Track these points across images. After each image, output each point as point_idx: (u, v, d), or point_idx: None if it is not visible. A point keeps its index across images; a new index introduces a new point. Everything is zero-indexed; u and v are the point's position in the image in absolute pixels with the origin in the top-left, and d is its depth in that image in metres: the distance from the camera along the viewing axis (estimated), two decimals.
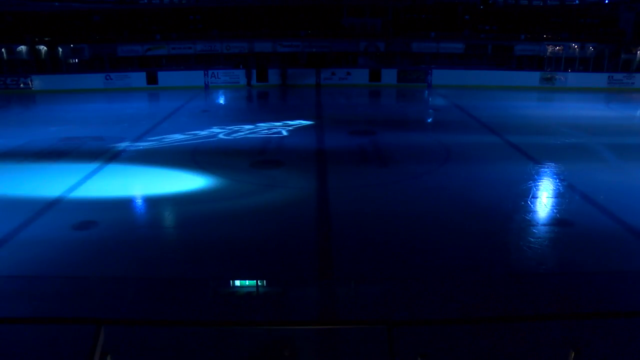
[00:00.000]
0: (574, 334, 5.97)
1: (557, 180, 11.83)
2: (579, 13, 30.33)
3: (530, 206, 10.22)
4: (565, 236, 9.02)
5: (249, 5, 30.58)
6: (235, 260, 8.16)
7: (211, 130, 16.83)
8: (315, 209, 10.22)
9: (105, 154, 14.00)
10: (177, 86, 26.32)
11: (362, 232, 9.06)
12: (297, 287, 7.60)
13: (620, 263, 8.06)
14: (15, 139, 15.74)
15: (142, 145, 15.11)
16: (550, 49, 27.55)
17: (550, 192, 11.25)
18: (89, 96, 24.64)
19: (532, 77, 26.52)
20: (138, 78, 26.44)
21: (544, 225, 9.44)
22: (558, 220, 9.57)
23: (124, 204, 10.61)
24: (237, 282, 7.69)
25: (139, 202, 11.02)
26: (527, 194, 10.82)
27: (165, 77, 26.71)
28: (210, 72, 26.89)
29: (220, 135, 16.20)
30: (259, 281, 7.74)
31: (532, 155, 13.71)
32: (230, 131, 16.70)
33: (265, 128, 17.23)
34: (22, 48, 27.41)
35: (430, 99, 25.19)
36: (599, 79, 26.09)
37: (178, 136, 15.99)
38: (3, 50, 27.20)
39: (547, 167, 12.74)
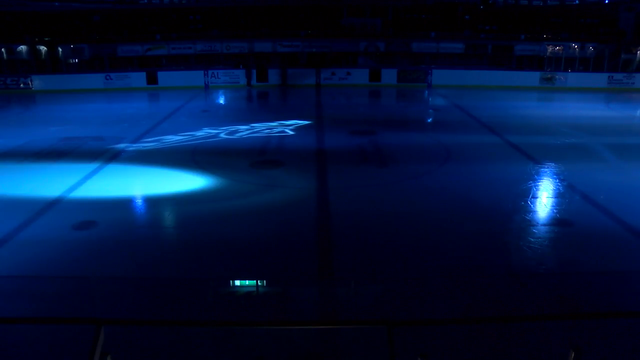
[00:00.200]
0: (574, 334, 5.95)
1: (557, 180, 11.83)
2: (579, 13, 30.33)
3: (530, 206, 10.22)
4: (565, 236, 9.02)
5: (249, 5, 30.60)
6: (235, 260, 8.16)
7: (211, 130, 16.83)
8: (315, 209, 10.22)
9: (105, 154, 14.00)
10: (177, 86, 26.30)
11: (362, 232, 9.05)
12: (297, 287, 7.60)
13: (620, 263, 8.05)
14: (15, 139, 15.74)
15: (142, 145, 15.10)
16: (550, 49, 27.54)
17: (550, 192, 11.25)
18: (89, 96, 24.64)
19: (532, 77, 26.50)
20: (138, 78, 26.42)
21: (544, 225, 9.44)
22: (558, 220, 9.57)
23: (123, 204, 10.61)
24: (237, 282, 7.68)
25: (139, 202, 11.02)
26: (527, 194, 10.82)
27: (165, 77, 26.69)
28: (210, 72, 26.88)
29: (220, 135, 16.19)
30: (259, 281, 7.74)
31: (532, 155, 13.71)
32: (230, 131, 16.70)
33: (265, 128, 17.23)
34: (22, 48, 27.41)
35: (430, 99, 25.17)
36: (599, 79, 26.05)
37: (178, 136, 15.98)
38: (3, 50, 27.21)
39: (547, 167, 12.73)
